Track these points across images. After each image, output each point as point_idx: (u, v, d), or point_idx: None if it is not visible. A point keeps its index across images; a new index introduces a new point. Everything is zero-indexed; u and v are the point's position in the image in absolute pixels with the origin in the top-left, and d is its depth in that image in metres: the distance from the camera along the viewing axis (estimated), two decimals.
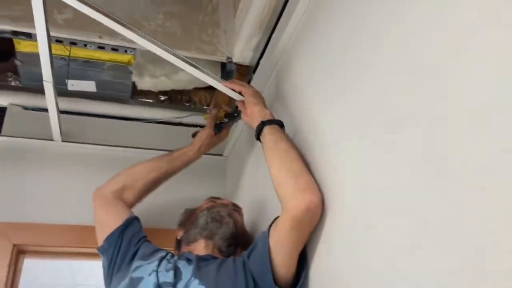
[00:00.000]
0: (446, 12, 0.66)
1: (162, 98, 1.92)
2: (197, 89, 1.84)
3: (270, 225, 1.01)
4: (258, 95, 1.21)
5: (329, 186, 0.94)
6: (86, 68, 1.77)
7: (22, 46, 1.68)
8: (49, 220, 1.47)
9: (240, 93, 1.24)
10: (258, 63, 1.50)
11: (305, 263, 0.97)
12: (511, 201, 0.51)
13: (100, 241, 1.22)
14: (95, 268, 1.56)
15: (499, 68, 0.55)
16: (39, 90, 1.46)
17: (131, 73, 1.69)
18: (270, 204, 1.23)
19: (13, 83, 1.93)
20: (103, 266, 1.20)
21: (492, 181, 0.54)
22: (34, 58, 1.60)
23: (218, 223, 1.17)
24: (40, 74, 1.31)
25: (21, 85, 1.82)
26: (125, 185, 1.31)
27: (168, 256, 1.11)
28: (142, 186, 1.33)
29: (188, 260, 1.08)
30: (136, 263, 1.10)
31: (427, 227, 0.64)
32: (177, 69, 1.45)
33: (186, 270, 1.04)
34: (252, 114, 1.15)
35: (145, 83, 1.71)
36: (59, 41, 1.52)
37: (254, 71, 1.54)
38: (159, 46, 1.17)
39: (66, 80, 1.74)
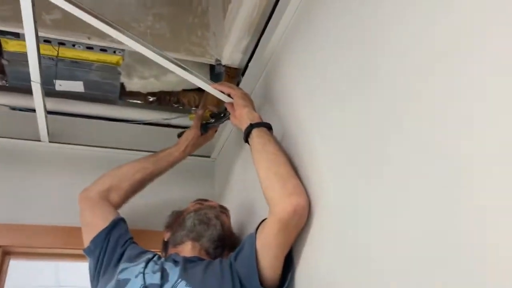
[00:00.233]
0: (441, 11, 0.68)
1: (151, 99, 1.92)
2: (185, 90, 1.85)
3: (257, 227, 1.02)
4: (247, 97, 1.22)
5: (316, 189, 0.95)
6: (74, 68, 1.76)
7: (9, 45, 1.67)
8: (36, 221, 1.46)
9: (229, 95, 1.25)
10: (247, 65, 1.51)
11: (291, 265, 0.98)
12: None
13: (86, 242, 1.22)
14: (81, 269, 1.54)
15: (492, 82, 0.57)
16: (27, 90, 1.45)
17: (119, 74, 1.69)
18: (258, 206, 1.24)
19: None
20: (89, 267, 1.20)
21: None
22: (22, 57, 1.59)
23: (205, 225, 1.17)
24: (28, 74, 1.30)
25: (8, 85, 1.81)
26: (111, 186, 1.31)
27: (155, 258, 1.11)
28: (128, 187, 1.33)
29: (175, 262, 1.09)
30: (122, 265, 1.09)
31: (413, 230, 0.65)
32: (166, 71, 1.46)
33: (173, 272, 1.04)
34: (241, 117, 1.15)
35: (133, 84, 1.70)
36: (47, 41, 1.51)
37: (243, 74, 1.54)
38: (147, 48, 1.18)
39: (54, 80, 1.74)
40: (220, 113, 1.43)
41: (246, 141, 1.11)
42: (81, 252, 1.25)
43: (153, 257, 1.12)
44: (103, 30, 1.12)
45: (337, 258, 0.84)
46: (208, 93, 1.36)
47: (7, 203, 1.48)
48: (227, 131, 1.67)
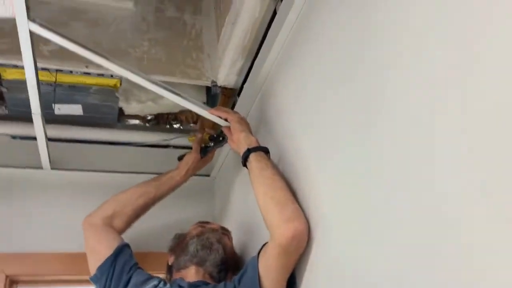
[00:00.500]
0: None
1: (149, 117, 1.95)
2: None
3: (260, 251, 1.04)
4: (243, 121, 1.24)
5: (315, 213, 0.98)
6: (73, 92, 1.78)
7: (7, 73, 1.69)
8: (42, 249, 1.48)
9: (226, 119, 1.28)
10: (242, 86, 1.54)
11: (294, 287, 1.01)
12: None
13: (92, 269, 1.24)
14: None
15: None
16: (27, 118, 1.48)
17: (118, 98, 1.72)
18: (259, 224, 1.25)
19: None
20: None
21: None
22: (20, 84, 1.61)
23: (208, 250, 1.20)
24: (27, 100, 1.31)
25: (8, 113, 1.83)
26: (114, 212, 1.33)
27: (161, 284, 1.14)
28: (131, 212, 1.35)
29: None
30: None
31: (414, 254, 0.67)
32: None
33: None
34: (238, 141, 1.18)
35: (132, 108, 1.73)
36: (45, 68, 1.54)
37: (239, 94, 1.57)
38: (141, 77, 1.20)
39: (53, 105, 1.76)
40: (218, 136, 1.46)
41: (245, 165, 1.14)
42: (86, 278, 1.28)
43: (158, 283, 1.14)
44: (96, 61, 1.15)
45: (337, 281, 0.87)
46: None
47: (12, 232, 1.50)
48: (226, 150, 1.69)
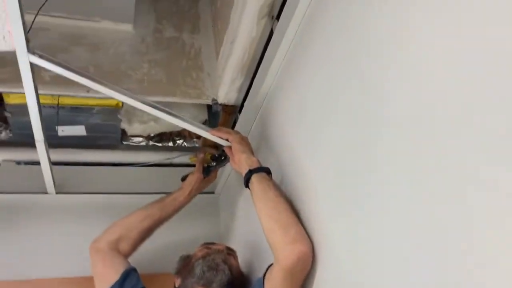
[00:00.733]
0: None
1: (152, 134, 1.96)
2: None
3: (265, 272, 1.04)
4: (244, 142, 1.25)
5: (318, 234, 0.98)
6: (75, 113, 1.80)
7: (11, 98, 1.71)
8: (48, 274, 1.48)
9: (227, 139, 1.28)
10: (243, 103, 1.55)
11: None
12: None
13: None
14: None
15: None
16: (31, 143, 1.49)
17: (120, 120, 1.73)
18: (265, 241, 1.26)
19: (3, 133, 1.97)
20: None
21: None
22: (24, 108, 1.63)
23: (214, 271, 1.20)
24: (31, 123, 1.32)
25: (12, 138, 1.85)
26: (120, 236, 1.33)
27: None
28: (136, 235, 1.35)
29: None
30: None
31: (418, 276, 0.67)
32: None
33: None
34: (240, 162, 1.19)
35: (134, 129, 1.75)
36: None
37: (240, 111, 1.58)
38: (141, 101, 1.21)
39: (56, 127, 1.78)
40: (220, 156, 1.46)
41: (247, 186, 1.14)
42: None
43: None
44: (95, 88, 1.16)
45: None
46: None
47: (18, 258, 1.50)
48: (229, 167, 1.69)
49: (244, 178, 1.14)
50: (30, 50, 1.03)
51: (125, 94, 1.19)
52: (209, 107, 1.73)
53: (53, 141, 1.55)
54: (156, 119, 1.73)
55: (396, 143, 0.75)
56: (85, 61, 1.52)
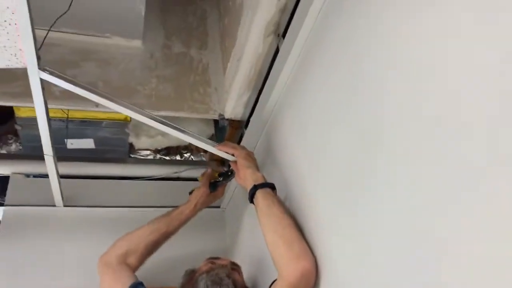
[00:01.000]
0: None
1: (160, 148, 1.98)
2: None
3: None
4: (249, 157, 1.26)
5: (322, 250, 0.98)
6: (84, 127, 1.83)
7: (21, 112, 1.75)
8: (55, 287, 1.49)
9: (233, 154, 1.29)
10: (249, 118, 1.56)
11: None
12: None
13: None
14: None
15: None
16: (40, 156, 1.51)
17: (128, 134, 1.76)
18: (269, 256, 1.26)
19: (13, 146, 2.00)
20: None
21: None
22: (34, 121, 1.67)
23: (218, 286, 1.20)
24: (40, 136, 1.35)
25: (21, 150, 1.89)
26: (128, 250, 1.34)
27: None
28: (144, 249, 1.36)
29: None
30: None
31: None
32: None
33: None
34: (245, 177, 1.19)
35: (142, 143, 1.77)
36: None
37: (246, 126, 1.59)
38: (149, 117, 1.23)
39: (65, 140, 1.81)
40: (227, 172, 1.47)
41: (252, 202, 1.15)
42: None
43: None
44: (103, 104, 1.18)
45: None
46: None
47: (25, 271, 1.51)
48: (235, 182, 1.70)
49: (249, 193, 1.15)
50: (41, 67, 1.05)
51: (132, 110, 1.21)
52: (216, 121, 1.75)
53: (62, 154, 1.58)
54: (163, 134, 1.75)
55: (399, 162, 0.76)
56: (94, 76, 1.55)
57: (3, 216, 1.62)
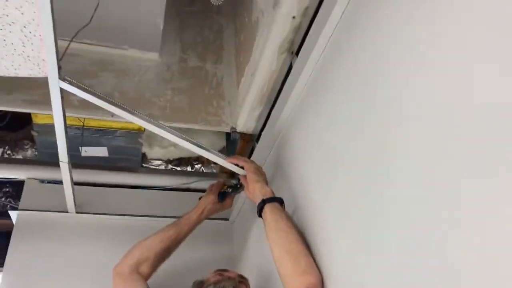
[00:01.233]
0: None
1: (171, 159, 2.01)
2: None
3: None
4: (259, 172, 1.28)
5: (328, 266, 0.99)
6: (99, 135, 1.87)
7: (39, 118, 1.80)
8: None
9: (242, 167, 1.32)
10: (260, 132, 1.58)
11: None
12: None
13: None
14: None
15: None
16: (54, 163, 1.55)
17: (141, 144, 1.79)
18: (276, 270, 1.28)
19: (29, 152, 2.04)
20: None
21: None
22: (50, 128, 1.70)
23: None
24: (56, 143, 1.36)
25: (37, 156, 1.93)
26: (139, 259, 1.36)
27: None
28: (155, 257, 1.38)
29: None
30: None
31: None
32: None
33: None
34: (254, 191, 1.21)
35: (154, 153, 1.80)
36: None
37: (257, 140, 1.61)
38: (163, 128, 1.26)
39: (80, 147, 1.85)
40: (236, 184, 1.49)
41: (260, 216, 1.16)
42: None
43: None
44: (119, 114, 1.21)
45: None
46: None
47: (35, 276, 1.54)
48: (244, 195, 1.72)
49: (258, 207, 1.16)
50: (61, 76, 1.09)
51: (147, 121, 1.24)
52: (227, 134, 1.77)
53: (76, 161, 1.61)
54: (176, 145, 1.77)
55: (410, 182, 0.77)
56: (111, 87, 1.59)
57: (17, 219, 1.65)
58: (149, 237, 1.41)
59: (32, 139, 1.98)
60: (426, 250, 0.69)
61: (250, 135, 1.67)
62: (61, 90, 1.13)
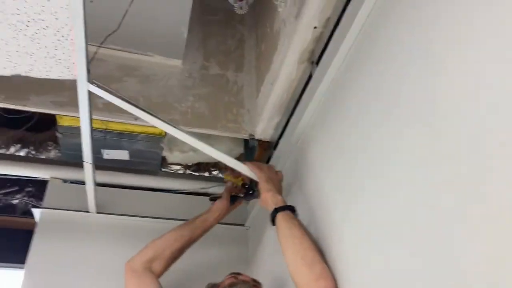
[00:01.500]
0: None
1: (190, 164, 2.04)
2: None
3: None
4: (271, 181, 1.30)
5: (342, 274, 1.00)
6: (121, 139, 1.91)
7: (63, 120, 1.84)
8: None
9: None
10: (278, 140, 1.61)
11: None
12: None
13: None
14: None
15: None
16: (77, 164, 1.59)
17: (162, 148, 1.83)
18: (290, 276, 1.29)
19: (52, 152, 2.10)
20: None
21: None
22: (74, 130, 1.76)
23: None
24: (79, 145, 1.42)
25: (60, 156, 1.98)
26: (153, 256, 1.39)
27: None
28: (169, 255, 1.41)
29: None
30: None
31: None
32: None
33: None
34: (266, 200, 1.25)
35: (174, 157, 1.84)
36: None
37: (275, 147, 1.64)
38: (184, 132, 1.30)
39: (102, 150, 1.90)
40: (250, 188, 1.50)
41: (273, 224, 1.19)
42: None
43: None
44: (143, 118, 1.25)
45: None
46: None
47: (56, 273, 1.59)
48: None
49: (270, 216, 1.19)
50: (90, 80, 1.14)
51: (169, 125, 1.28)
52: (246, 141, 1.80)
53: (97, 163, 1.65)
54: (195, 150, 1.81)
55: (439, 191, 0.79)
56: (135, 92, 1.64)
57: (41, 217, 1.71)
58: (163, 235, 1.44)
59: (55, 141, 2.03)
60: (449, 269, 0.70)
61: (268, 142, 1.70)
62: (89, 93, 1.18)
